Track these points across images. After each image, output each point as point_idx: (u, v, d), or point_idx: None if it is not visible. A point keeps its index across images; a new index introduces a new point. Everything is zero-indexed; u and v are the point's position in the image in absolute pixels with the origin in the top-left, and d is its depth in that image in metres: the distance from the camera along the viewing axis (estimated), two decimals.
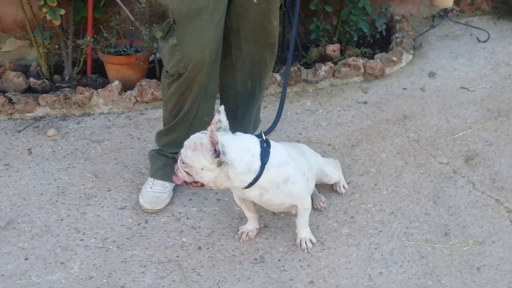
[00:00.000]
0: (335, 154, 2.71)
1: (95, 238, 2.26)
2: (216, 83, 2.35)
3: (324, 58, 3.54)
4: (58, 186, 2.57)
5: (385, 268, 2.04)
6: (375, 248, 2.14)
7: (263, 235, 2.22)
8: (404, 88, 3.35)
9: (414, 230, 2.22)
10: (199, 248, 2.19)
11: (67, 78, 3.52)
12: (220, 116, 1.88)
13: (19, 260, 2.15)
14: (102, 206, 2.44)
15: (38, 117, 3.14)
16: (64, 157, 2.79)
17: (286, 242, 2.19)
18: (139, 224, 2.31)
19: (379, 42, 3.80)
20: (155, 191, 2.37)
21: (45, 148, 2.86)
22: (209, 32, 2.06)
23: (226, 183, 1.86)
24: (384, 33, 3.77)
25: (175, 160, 1.92)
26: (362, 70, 3.45)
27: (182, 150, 1.87)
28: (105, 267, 2.10)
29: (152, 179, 2.42)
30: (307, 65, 3.45)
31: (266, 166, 1.84)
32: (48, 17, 3.11)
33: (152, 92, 3.20)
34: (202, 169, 1.82)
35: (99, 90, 3.23)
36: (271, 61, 2.44)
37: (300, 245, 2.12)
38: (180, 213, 2.38)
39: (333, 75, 3.44)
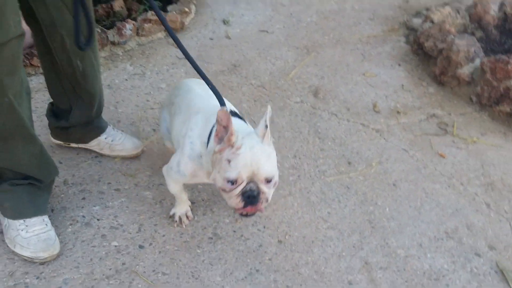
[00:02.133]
0: None
1: None
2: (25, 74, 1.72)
3: (112, 17, 3.22)
4: None
5: (329, 207, 2.09)
6: (307, 192, 2.16)
7: (198, 212, 2.00)
8: (211, 38, 3.32)
9: (323, 166, 2.31)
10: (141, 246, 1.85)
11: None
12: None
13: None
14: None
15: None
16: None
17: (224, 211, 2.02)
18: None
19: None
20: (38, 233, 1.77)
21: None
22: None
23: None
24: None
25: (249, 200, 1.49)
26: None
27: (251, 184, 1.48)
28: None
29: (20, 221, 1.79)
30: (104, 26, 3.08)
31: None
32: None
33: None
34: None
35: None
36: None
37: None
38: (84, 217, 1.94)
39: (137, 34, 3.17)
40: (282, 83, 2.87)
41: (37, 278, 1.68)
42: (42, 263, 1.72)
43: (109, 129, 2.17)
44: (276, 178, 1.51)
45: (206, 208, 2.02)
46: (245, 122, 1.66)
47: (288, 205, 2.08)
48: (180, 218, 1.89)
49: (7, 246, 1.75)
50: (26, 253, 1.71)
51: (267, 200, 1.50)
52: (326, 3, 3.87)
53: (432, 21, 3.40)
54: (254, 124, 2.50)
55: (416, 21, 3.63)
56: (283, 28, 3.47)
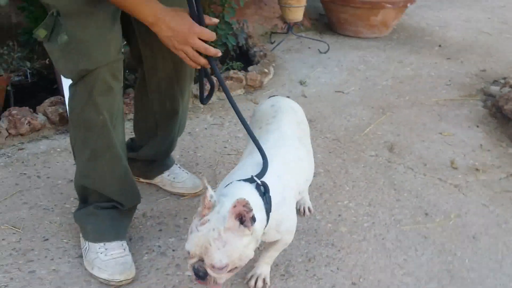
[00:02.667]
0: None
1: None
2: (122, 101, 1.82)
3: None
4: None
5: (405, 255, 2.02)
6: (382, 239, 2.10)
7: None
8: (288, 96, 3.40)
9: (399, 216, 2.25)
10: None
11: None
12: (209, 190, 1.44)
13: None
14: (52, 259, 1.87)
15: None
16: None
17: (296, 251, 2.01)
18: None
19: (237, 56, 3.81)
20: (116, 257, 1.81)
21: None
22: (106, 23, 1.62)
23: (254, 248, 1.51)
24: (244, 48, 3.81)
25: (197, 276, 1.44)
26: (244, 82, 3.41)
27: (201, 262, 1.42)
28: None
29: (100, 244, 1.85)
30: None
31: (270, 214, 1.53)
32: None
33: (29, 122, 2.61)
34: (243, 251, 1.44)
35: None
36: (191, 75, 2.07)
37: (250, 280, 1.78)
38: (159, 247, 1.97)
39: (218, 89, 3.31)
40: (356, 138, 2.88)
41: None
42: (117, 286, 1.75)
43: (174, 167, 2.27)
44: (232, 266, 1.42)
45: None
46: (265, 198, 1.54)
47: (363, 249, 2.03)
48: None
49: (85, 269, 1.80)
50: (103, 275, 1.75)
51: (216, 283, 1.44)
52: (401, 69, 3.92)
53: (511, 86, 3.36)
54: (329, 173, 2.50)
55: (494, 88, 3.59)
56: (358, 90, 3.52)
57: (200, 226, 1.42)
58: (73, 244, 1.93)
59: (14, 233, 1.97)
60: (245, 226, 1.41)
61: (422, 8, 5.72)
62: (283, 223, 1.60)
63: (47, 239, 1.95)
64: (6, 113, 2.61)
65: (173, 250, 1.95)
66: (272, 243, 1.69)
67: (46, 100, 2.71)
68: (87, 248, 1.83)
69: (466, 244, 2.09)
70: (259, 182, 1.51)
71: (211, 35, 1.59)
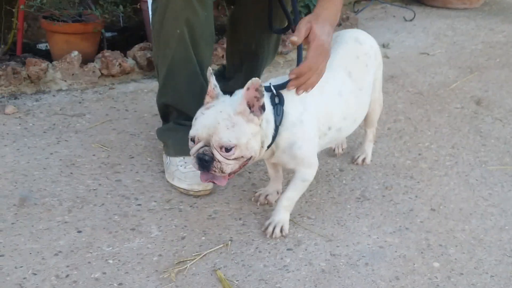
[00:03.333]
0: None
1: (155, 202, 1.78)
2: (212, 26, 1.85)
3: None
4: (61, 159, 2.00)
5: (490, 189, 1.93)
6: (466, 176, 2.02)
7: (347, 177, 1.97)
8: None
9: (484, 158, 2.16)
10: None
11: None
12: (213, 79, 1.50)
13: (70, 234, 1.59)
14: (137, 172, 1.95)
15: None
16: (45, 132, 2.20)
17: (373, 180, 1.99)
18: None
19: None
20: (194, 169, 1.87)
21: (10, 126, 2.24)
22: None
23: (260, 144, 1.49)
24: None
25: (201, 163, 1.44)
26: None
27: (207, 147, 1.43)
28: (192, 226, 1.65)
29: (180, 158, 1.88)
30: None
31: (280, 128, 1.51)
32: None
33: (120, 64, 2.73)
34: (250, 139, 1.43)
35: (54, 62, 2.66)
36: (281, 24, 2.04)
37: (268, 228, 1.64)
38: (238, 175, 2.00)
39: None
40: (441, 92, 2.80)
41: (190, 206, 1.76)
42: (195, 196, 1.80)
43: None
44: (239, 152, 1.41)
45: (354, 175, 1.99)
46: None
47: (444, 183, 1.97)
48: (259, 196, 1.81)
49: (167, 181, 1.87)
50: (183, 185, 1.80)
51: (222, 170, 1.41)
52: (492, 36, 3.76)
53: None
54: (410, 120, 2.44)
55: None
56: (445, 53, 3.41)
57: (205, 110, 1.44)
58: (156, 162, 2.01)
59: (103, 151, 2.08)
60: (255, 114, 1.41)
61: None
62: (295, 146, 1.54)
63: (132, 157, 2.05)
64: (99, 55, 2.75)
65: (249, 172, 1.98)
66: (291, 180, 1.64)
67: (136, 46, 2.84)
68: (168, 162, 1.89)
69: None
70: (274, 92, 1.49)
71: None
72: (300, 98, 1.54)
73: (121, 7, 2.70)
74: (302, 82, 1.51)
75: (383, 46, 3.51)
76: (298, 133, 1.53)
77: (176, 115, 1.90)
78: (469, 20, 4.09)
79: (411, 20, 4.05)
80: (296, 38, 1.51)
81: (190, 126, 1.79)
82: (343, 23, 3.66)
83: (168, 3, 1.69)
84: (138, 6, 2.98)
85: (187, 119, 1.84)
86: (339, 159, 2.10)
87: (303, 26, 1.52)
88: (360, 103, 1.71)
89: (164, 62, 1.81)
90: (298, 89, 1.52)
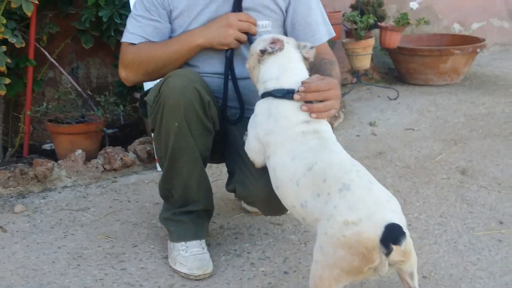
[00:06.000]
0: None
1: (159, 287, 1.87)
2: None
3: None
4: (68, 253, 2.12)
5: (478, 254, 2.03)
6: (454, 243, 2.12)
7: None
8: (357, 135, 3.54)
9: (472, 224, 2.26)
10: (286, 272, 1.96)
11: None
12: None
13: None
14: (140, 260, 2.05)
15: None
16: (52, 227, 2.33)
17: None
18: None
19: None
20: (195, 254, 1.96)
21: (19, 224, 2.37)
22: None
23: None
24: None
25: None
26: None
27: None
28: None
29: (182, 243, 2.00)
30: None
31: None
32: None
33: (122, 158, 2.90)
34: None
35: (59, 161, 2.83)
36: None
37: None
38: (235, 250, 2.11)
39: None
40: (427, 165, 2.94)
41: None
42: (196, 280, 1.90)
43: None
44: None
45: None
46: None
47: (434, 250, 2.06)
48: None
49: (170, 266, 1.97)
50: (184, 269, 1.91)
51: None
52: (474, 109, 3.96)
53: None
54: (399, 193, 2.57)
55: None
56: (429, 127, 3.60)
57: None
58: (158, 249, 2.12)
59: (108, 242, 2.19)
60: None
61: (496, 59, 5.73)
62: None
63: (136, 246, 2.16)
64: (102, 151, 2.93)
65: (248, 253, 2.08)
66: None
67: (136, 140, 3.02)
68: (172, 247, 2.00)
69: None
70: None
71: (248, 16, 1.83)
72: None
73: (121, 106, 2.90)
74: (309, 97, 1.63)
75: (370, 124, 3.70)
76: None
77: (177, 199, 1.99)
78: (450, 95, 4.32)
79: (395, 99, 4.27)
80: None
81: (191, 212, 1.91)
82: None
83: (165, 103, 1.85)
84: (137, 105, 3.18)
85: (186, 203, 1.96)
86: None
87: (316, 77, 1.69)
88: None
89: (166, 149, 1.89)
90: (310, 109, 1.63)
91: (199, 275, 1.89)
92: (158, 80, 1.92)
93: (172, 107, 1.81)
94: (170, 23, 1.95)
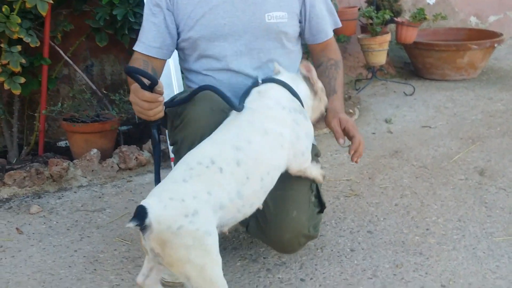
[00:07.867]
0: (360, 186, 2.67)
1: None
2: None
3: None
4: (84, 256, 2.12)
5: (498, 261, 2.00)
6: (473, 249, 2.09)
7: (358, 257, 2.05)
8: (373, 133, 3.50)
9: (491, 229, 2.23)
10: (302, 280, 1.94)
11: (14, 161, 3.03)
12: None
13: None
14: None
15: (3, 199, 2.61)
16: (68, 229, 2.33)
17: (384, 259, 2.07)
18: None
19: None
20: None
21: (36, 225, 2.37)
22: None
23: None
24: None
25: None
26: None
27: None
28: None
29: None
30: None
31: None
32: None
33: (136, 157, 2.89)
34: None
35: (75, 161, 2.83)
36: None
37: None
38: (251, 255, 2.10)
39: None
40: (445, 165, 2.90)
41: None
42: None
43: None
44: None
45: (365, 255, 2.07)
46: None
47: (452, 257, 2.04)
48: None
49: None
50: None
51: None
52: (491, 105, 3.90)
53: None
54: (416, 195, 2.53)
55: None
56: (446, 124, 3.55)
57: None
58: None
59: (124, 245, 2.19)
60: None
61: None
62: None
63: None
64: (117, 150, 2.92)
65: (264, 258, 2.07)
66: None
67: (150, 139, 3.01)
68: None
69: None
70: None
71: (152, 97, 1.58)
72: None
73: None
74: (360, 152, 1.84)
75: (386, 121, 3.66)
76: None
77: None
78: (467, 90, 4.26)
79: (411, 95, 4.22)
80: (342, 139, 1.85)
81: None
82: (346, 102, 3.84)
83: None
84: None
85: None
86: (349, 238, 2.18)
87: (335, 124, 1.86)
88: None
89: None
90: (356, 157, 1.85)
91: None
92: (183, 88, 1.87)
93: (198, 126, 1.73)
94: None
